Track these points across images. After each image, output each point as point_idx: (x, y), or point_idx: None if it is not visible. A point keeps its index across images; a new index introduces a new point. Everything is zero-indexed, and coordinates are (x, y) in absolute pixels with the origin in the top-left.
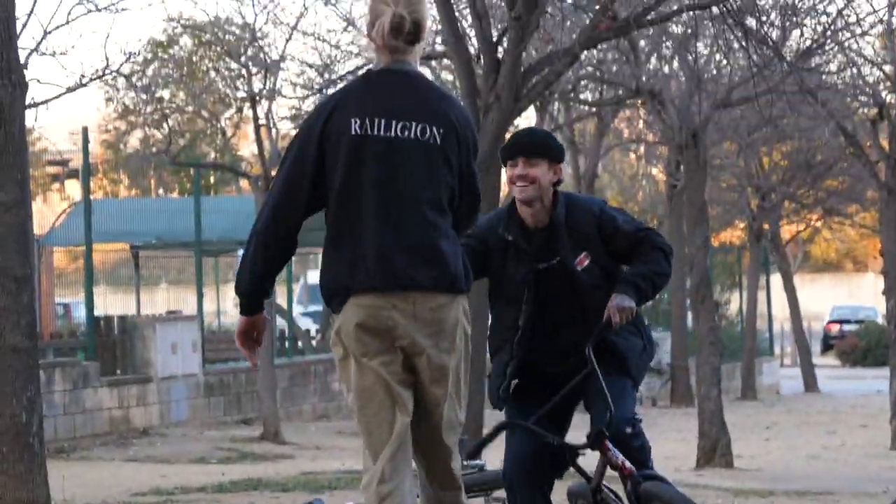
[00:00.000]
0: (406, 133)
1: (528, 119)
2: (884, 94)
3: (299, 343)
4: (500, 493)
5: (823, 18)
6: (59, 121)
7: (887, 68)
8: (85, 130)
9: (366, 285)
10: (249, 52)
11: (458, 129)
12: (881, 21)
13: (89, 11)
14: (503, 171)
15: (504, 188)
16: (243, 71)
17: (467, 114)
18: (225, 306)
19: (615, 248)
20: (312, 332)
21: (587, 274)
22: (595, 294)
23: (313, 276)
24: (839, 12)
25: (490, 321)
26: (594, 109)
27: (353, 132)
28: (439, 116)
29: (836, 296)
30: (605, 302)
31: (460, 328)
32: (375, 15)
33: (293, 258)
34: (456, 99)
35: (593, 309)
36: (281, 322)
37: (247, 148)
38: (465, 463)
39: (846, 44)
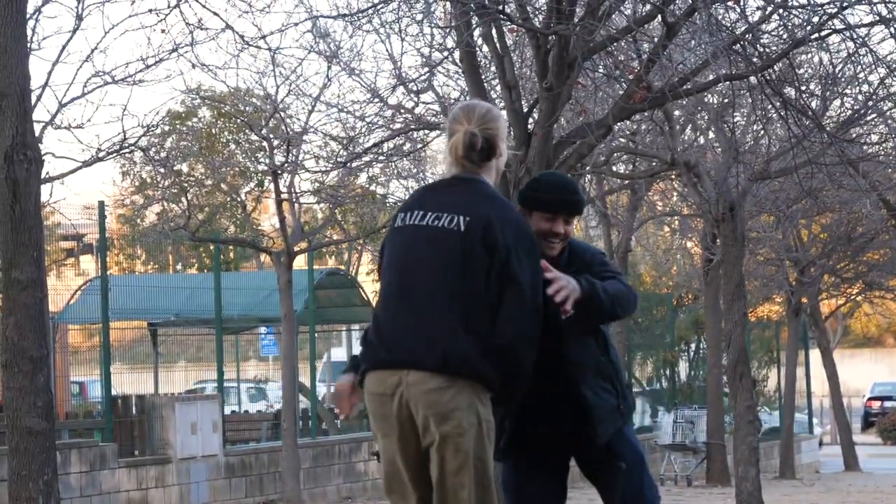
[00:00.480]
0: (436, 222)
1: None
2: None
3: (323, 423)
4: None
5: (865, 87)
6: (74, 194)
7: None
8: (101, 205)
9: (375, 360)
10: (271, 124)
11: (492, 222)
12: None
13: (105, 83)
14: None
15: None
16: (264, 143)
17: (513, 215)
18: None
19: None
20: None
21: (568, 323)
22: (573, 346)
23: (337, 354)
24: (881, 81)
25: None
26: (627, 182)
27: (394, 224)
28: (474, 210)
29: (877, 371)
30: (581, 356)
31: (464, 414)
32: (451, 134)
33: (316, 335)
34: (507, 203)
35: (571, 362)
36: (304, 401)
37: (268, 222)
38: None
39: (888, 113)
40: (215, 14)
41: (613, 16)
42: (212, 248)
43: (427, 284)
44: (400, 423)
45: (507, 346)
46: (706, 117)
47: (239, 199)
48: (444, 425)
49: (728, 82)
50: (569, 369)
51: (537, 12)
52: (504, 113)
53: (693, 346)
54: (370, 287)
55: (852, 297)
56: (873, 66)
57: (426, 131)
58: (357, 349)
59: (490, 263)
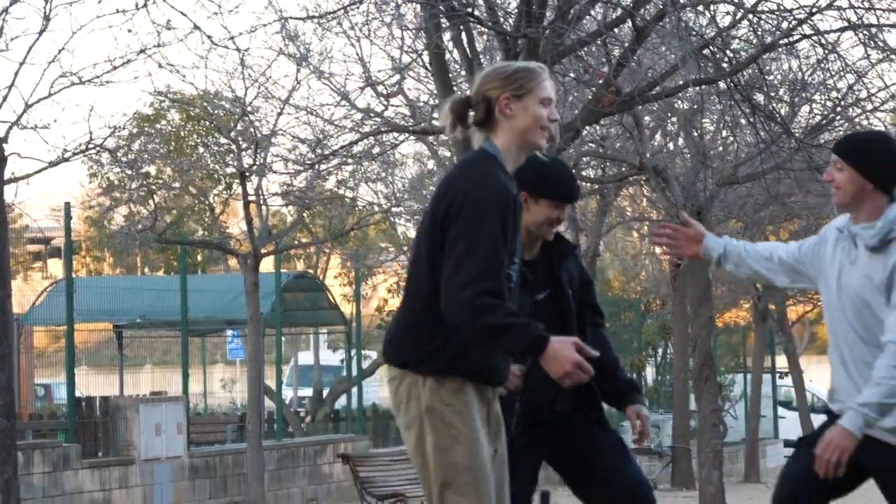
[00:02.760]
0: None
1: None
2: None
3: (289, 426)
4: None
5: (833, 94)
6: (41, 197)
7: None
8: (67, 206)
9: None
10: (239, 127)
11: (439, 193)
12: (893, 97)
13: (73, 84)
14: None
15: None
16: (233, 146)
17: (463, 179)
18: (212, 387)
19: (580, 298)
20: (302, 414)
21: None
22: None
23: (304, 357)
24: (850, 87)
25: None
26: (596, 186)
27: None
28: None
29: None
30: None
31: (416, 408)
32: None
33: (283, 339)
34: (466, 167)
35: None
36: (269, 403)
37: (235, 224)
38: None
39: (856, 119)
40: (183, 14)
41: (583, 20)
42: (179, 250)
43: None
44: None
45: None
46: (675, 122)
47: (207, 202)
48: (404, 420)
49: (697, 87)
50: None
51: (507, 15)
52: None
53: (660, 350)
54: (338, 290)
55: (819, 303)
56: (842, 73)
57: (395, 134)
58: (324, 352)
59: (432, 233)
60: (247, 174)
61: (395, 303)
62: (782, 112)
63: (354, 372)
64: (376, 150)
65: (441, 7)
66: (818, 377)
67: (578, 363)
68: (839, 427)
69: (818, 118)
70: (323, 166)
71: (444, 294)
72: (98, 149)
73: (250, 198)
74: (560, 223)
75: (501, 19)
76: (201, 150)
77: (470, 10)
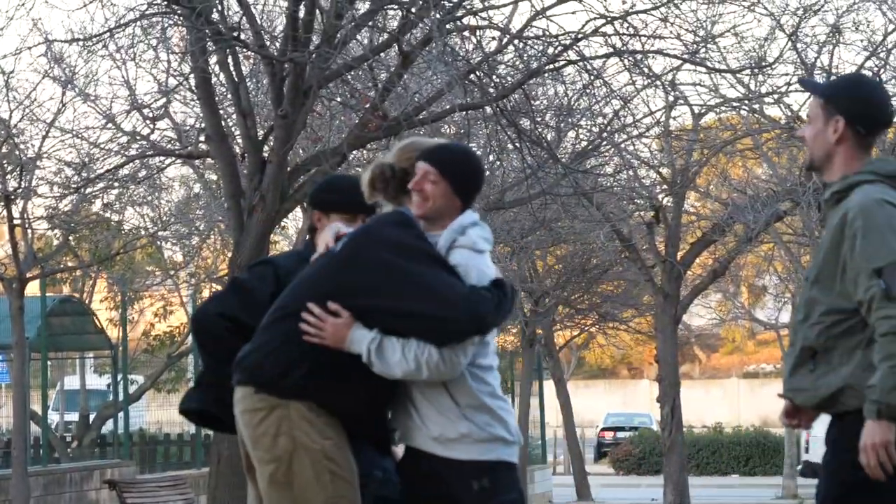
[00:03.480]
0: None
1: (295, 220)
2: (660, 196)
3: (55, 451)
4: None
5: (599, 119)
6: None
7: (664, 170)
8: None
9: None
10: (4, 149)
11: None
12: (658, 123)
13: None
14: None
15: None
16: None
17: (372, 227)
18: None
19: None
20: (68, 439)
21: None
22: None
23: (70, 381)
24: (615, 113)
25: None
26: None
27: None
28: None
29: (611, 402)
30: None
31: (270, 438)
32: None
33: (49, 363)
34: (384, 218)
35: None
36: (35, 428)
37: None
38: None
39: (623, 145)
40: None
41: (350, 44)
42: None
43: None
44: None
45: None
46: None
47: None
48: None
49: (463, 112)
50: None
51: (274, 39)
52: (240, 139)
53: None
54: (104, 315)
55: (587, 328)
56: (608, 98)
57: (161, 158)
58: (90, 377)
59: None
60: (11, 197)
61: (161, 327)
62: (548, 137)
63: (121, 397)
64: (142, 173)
65: (207, 31)
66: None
67: None
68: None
69: (584, 143)
70: (89, 189)
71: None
72: None
73: (15, 221)
74: None
75: (268, 43)
76: None
77: (236, 34)
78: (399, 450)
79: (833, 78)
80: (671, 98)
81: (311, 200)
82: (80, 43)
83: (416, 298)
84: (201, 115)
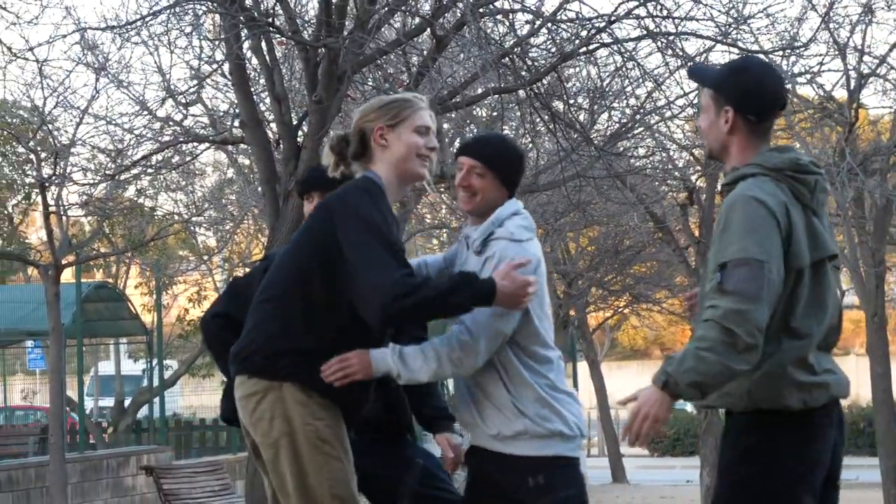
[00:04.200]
0: None
1: None
2: (693, 178)
3: (91, 437)
4: None
5: (632, 101)
6: None
7: (697, 152)
8: None
9: None
10: (38, 137)
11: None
12: (691, 104)
13: None
14: None
15: None
16: (31, 156)
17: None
18: (12, 399)
19: None
20: (104, 425)
21: None
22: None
23: (105, 367)
24: (648, 95)
25: None
26: None
27: None
28: None
29: (645, 383)
30: None
31: (267, 422)
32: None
33: (84, 349)
34: (352, 184)
35: None
36: (72, 415)
37: (35, 234)
38: None
39: (655, 127)
40: None
41: (383, 29)
42: None
43: None
44: None
45: None
46: (475, 130)
47: (6, 212)
48: (257, 435)
49: (497, 96)
50: None
51: (307, 25)
52: (274, 125)
53: None
54: (138, 300)
55: (620, 310)
56: (641, 80)
57: (195, 144)
58: (125, 363)
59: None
60: (46, 184)
61: (196, 312)
62: (581, 119)
63: (156, 382)
64: (176, 159)
65: (241, 17)
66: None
67: (528, 282)
68: None
69: (617, 126)
70: (123, 176)
71: (368, 292)
72: None
73: (50, 208)
74: None
75: (301, 29)
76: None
77: (270, 20)
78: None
79: (720, 65)
80: None
81: (297, 190)
82: (114, 30)
83: (353, 269)
84: (234, 100)
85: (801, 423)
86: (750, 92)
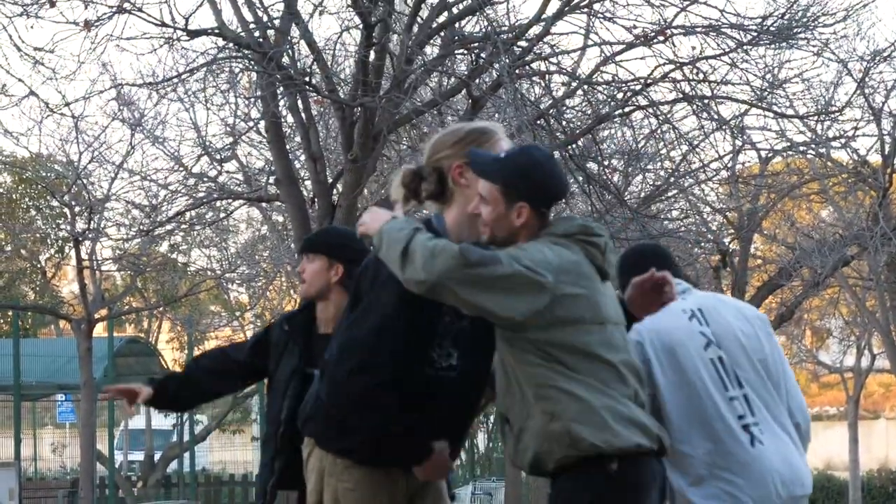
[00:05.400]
0: None
1: None
2: (726, 240)
3: (120, 491)
4: None
5: (667, 164)
6: None
7: (730, 215)
8: None
9: None
10: (73, 191)
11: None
12: (725, 167)
13: None
14: None
15: None
16: (66, 210)
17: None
18: (42, 452)
19: None
20: (133, 479)
21: None
22: None
23: (135, 422)
24: (683, 157)
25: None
26: None
27: None
28: None
29: None
30: None
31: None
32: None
33: (115, 402)
34: None
35: None
36: (100, 468)
37: (67, 288)
38: None
39: (689, 189)
40: (20, 80)
41: (419, 88)
42: (10, 314)
43: None
44: None
45: None
46: None
47: (39, 265)
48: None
49: None
50: None
51: (343, 84)
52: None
53: (492, 417)
54: (170, 355)
55: None
56: (676, 143)
57: (229, 200)
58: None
59: None
60: (80, 238)
61: None
62: (616, 181)
63: (186, 437)
64: (210, 215)
65: (278, 75)
66: None
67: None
68: None
69: (651, 188)
70: (157, 231)
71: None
72: None
73: (84, 263)
74: (299, 276)
75: (338, 87)
76: (34, 213)
77: (307, 78)
78: None
79: (502, 157)
80: (738, 142)
81: (300, 246)
82: (150, 87)
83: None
84: (269, 158)
85: None
86: (543, 187)
